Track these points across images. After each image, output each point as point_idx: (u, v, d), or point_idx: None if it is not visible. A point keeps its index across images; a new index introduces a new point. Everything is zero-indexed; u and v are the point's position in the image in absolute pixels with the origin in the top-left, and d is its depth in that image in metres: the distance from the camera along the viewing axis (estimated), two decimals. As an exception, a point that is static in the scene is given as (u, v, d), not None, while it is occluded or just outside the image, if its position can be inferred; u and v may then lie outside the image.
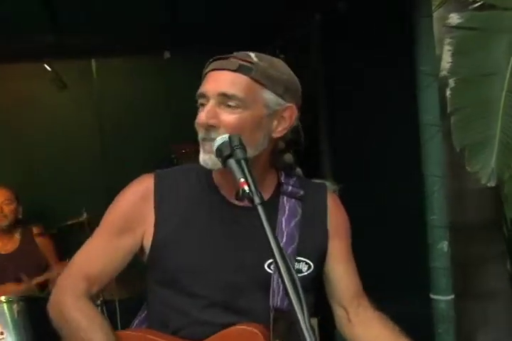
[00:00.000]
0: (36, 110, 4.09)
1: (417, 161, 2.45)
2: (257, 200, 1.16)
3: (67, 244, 3.62)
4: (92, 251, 1.51)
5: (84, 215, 3.49)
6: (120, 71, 4.21)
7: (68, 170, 4.04)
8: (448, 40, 2.60)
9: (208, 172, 1.48)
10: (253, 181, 1.19)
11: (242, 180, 1.20)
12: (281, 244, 1.24)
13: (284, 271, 1.09)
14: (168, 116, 4.06)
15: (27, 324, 2.79)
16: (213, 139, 1.32)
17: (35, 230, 3.65)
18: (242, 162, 1.23)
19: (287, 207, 1.48)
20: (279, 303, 1.43)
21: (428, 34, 2.41)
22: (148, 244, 1.48)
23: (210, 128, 1.36)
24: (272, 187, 1.51)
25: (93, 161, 4.08)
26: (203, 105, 1.39)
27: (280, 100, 1.39)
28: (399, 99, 2.74)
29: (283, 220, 1.47)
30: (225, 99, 1.36)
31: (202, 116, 1.36)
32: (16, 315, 2.79)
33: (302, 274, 1.46)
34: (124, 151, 4.07)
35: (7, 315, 2.78)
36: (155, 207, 1.47)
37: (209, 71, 1.39)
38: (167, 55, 3.93)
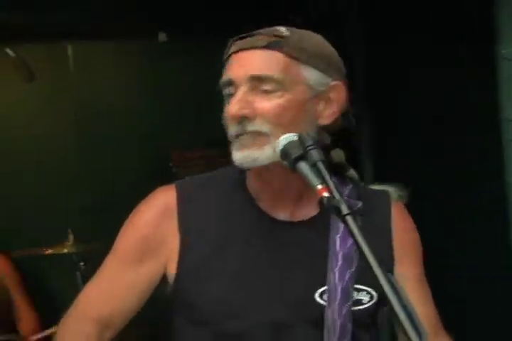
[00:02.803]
0: None
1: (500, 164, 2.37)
2: (344, 210, 1.08)
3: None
4: (103, 285, 1.43)
5: (71, 240, 3.09)
6: (103, 58, 3.90)
7: (37, 186, 3.69)
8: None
9: (241, 180, 1.43)
10: (335, 187, 1.13)
11: (320, 186, 1.13)
12: (336, 268, 1.31)
13: (396, 305, 0.98)
14: (164, 115, 3.81)
15: None
16: (250, 132, 1.28)
17: None
18: (320, 164, 1.16)
19: (342, 224, 1.32)
20: None
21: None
22: (172, 273, 1.39)
23: (243, 119, 1.29)
24: None
25: (69, 174, 3.74)
26: (230, 95, 1.32)
27: (324, 78, 1.32)
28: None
29: (337, 240, 1.37)
30: (258, 83, 1.29)
31: (232, 107, 1.29)
32: None
33: (363, 306, 1.36)
34: (108, 161, 3.74)
35: None
36: (179, 227, 1.40)
37: (233, 53, 1.32)
38: (163, 37, 3.70)
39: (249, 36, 1.31)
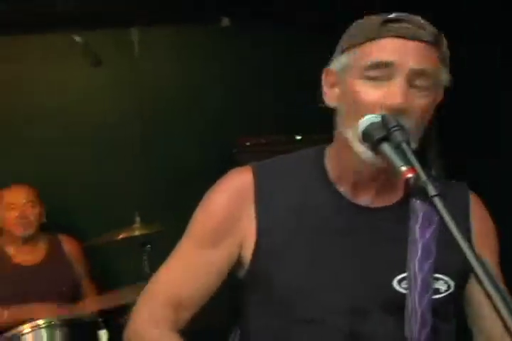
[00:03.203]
0: (63, 93, 3.76)
1: None
2: (431, 191, 1.05)
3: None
4: (180, 268, 1.41)
5: (137, 222, 3.10)
6: (167, 43, 3.89)
7: (102, 168, 3.72)
8: None
9: (321, 166, 1.41)
10: (421, 168, 1.11)
11: (404, 168, 1.11)
12: (416, 259, 1.30)
13: (493, 292, 0.95)
14: (228, 101, 3.79)
15: None
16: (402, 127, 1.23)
17: (63, 239, 3.43)
18: (404, 145, 1.14)
19: (421, 214, 1.35)
20: (416, 334, 1.33)
21: None
22: (247, 255, 1.38)
23: (399, 113, 1.23)
24: (402, 188, 1.39)
25: (131, 158, 3.75)
26: (374, 79, 1.25)
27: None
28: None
29: (416, 229, 1.35)
30: (415, 77, 1.24)
31: (397, 97, 1.23)
32: None
33: (440, 295, 1.35)
34: (172, 145, 3.76)
35: None
36: (256, 210, 1.38)
37: (388, 36, 1.25)
38: (226, 22, 3.73)
39: (406, 21, 1.25)
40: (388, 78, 1.24)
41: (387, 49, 1.24)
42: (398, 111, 1.23)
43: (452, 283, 1.37)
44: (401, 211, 1.36)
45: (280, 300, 1.37)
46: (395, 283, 1.34)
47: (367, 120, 1.21)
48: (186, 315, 1.41)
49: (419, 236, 1.35)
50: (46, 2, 3.37)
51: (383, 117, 1.20)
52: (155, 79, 3.76)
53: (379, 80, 1.25)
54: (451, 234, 1.05)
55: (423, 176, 1.08)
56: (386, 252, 1.32)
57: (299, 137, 3.55)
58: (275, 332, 1.40)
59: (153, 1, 3.55)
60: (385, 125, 1.18)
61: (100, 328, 2.67)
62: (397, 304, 1.33)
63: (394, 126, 1.17)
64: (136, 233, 3.04)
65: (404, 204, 1.37)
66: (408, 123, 1.23)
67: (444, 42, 1.28)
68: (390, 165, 1.16)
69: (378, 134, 1.18)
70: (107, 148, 3.69)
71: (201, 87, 3.77)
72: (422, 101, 1.25)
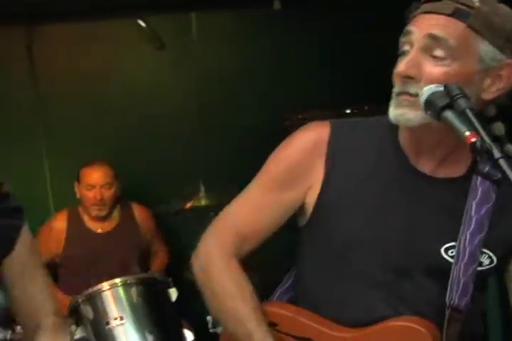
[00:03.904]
0: (132, 73, 3.85)
1: None
2: (496, 154, 1.07)
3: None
4: (248, 204, 1.44)
5: (202, 192, 3.18)
6: (223, 26, 3.94)
7: (166, 141, 3.82)
8: None
9: (394, 132, 1.39)
10: (486, 133, 1.09)
11: (468, 133, 1.10)
12: (468, 232, 1.28)
13: None
14: (280, 79, 3.81)
15: (147, 309, 2.64)
16: (410, 93, 1.25)
17: (135, 208, 3.52)
18: (468, 112, 1.13)
19: (480, 190, 1.34)
20: (456, 301, 1.32)
21: None
22: (311, 202, 1.40)
23: (408, 80, 1.25)
24: (466, 164, 1.37)
25: (193, 131, 3.82)
26: (404, 53, 1.28)
27: (498, 54, 1.26)
28: None
29: (473, 204, 1.34)
30: (432, 44, 1.25)
31: (402, 65, 1.26)
32: (134, 300, 2.63)
33: (481, 268, 1.36)
34: (228, 119, 3.82)
35: (124, 299, 2.64)
36: (326, 162, 1.38)
37: (417, 14, 1.29)
38: (277, 5, 3.60)
39: (437, 0, 1.26)
40: (409, 49, 1.26)
41: (413, 23, 1.28)
42: (405, 78, 1.25)
43: (495, 259, 1.37)
44: (461, 185, 1.35)
45: (333, 248, 1.39)
46: (443, 250, 1.34)
47: (430, 89, 1.20)
48: (249, 248, 1.44)
49: (475, 211, 1.34)
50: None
51: (446, 86, 1.18)
52: (212, 61, 3.79)
53: (405, 54, 1.27)
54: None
55: (487, 139, 1.07)
56: (439, 220, 1.31)
57: (348, 110, 3.51)
58: (326, 280, 1.43)
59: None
60: (448, 93, 1.17)
61: (170, 286, 2.75)
62: (441, 270, 1.34)
63: (457, 94, 1.15)
64: (202, 203, 3.11)
65: (465, 179, 1.36)
66: (421, 90, 1.22)
67: (483, 15, 1.24)
68: (450, 135, 1.16)
69: (441, 102, 1.16)
70: (171, 124, 3.78)
71: (254, 65, 3.80)
72: (435, 70, 1.24)
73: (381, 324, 1.36)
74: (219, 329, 2.65)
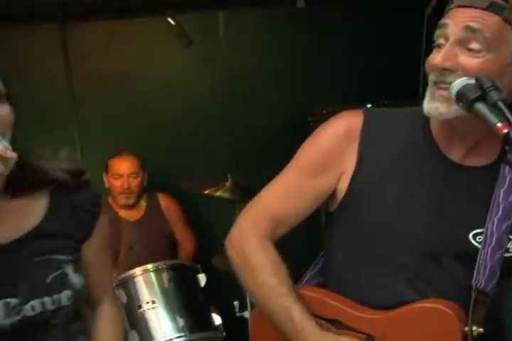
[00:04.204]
0: (163, 68, 3.91)
1: None
2: None
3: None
4: (282, 189, 1.45)
5: (229, 181, 3.19)
6: (249, 24, 3.96)
7: (193, 134, 3.89)
8: None
9: (426, 122, 1.40)
10: None
11: (500, 124, 1.09)
12: (496, 218, 1.28)
13: None
14: (305, 74, 3.84)
15: (178, 294, 2.71)
16: (448, 83, 1.24)
17: (161, 197, 3.58)
18: (500, 103, 1.12)
19: (508, 179, 1.35)
20: (483, 284, 1.33)
21: None
22: (343, 187, 1.42)
23: (444, 71, 1.26)
24: (494, 153, 1.38)
25: (219, 125, 3.91)
26: (439, 46, 1.29)
27: None
28: None
29: (501, 192, 1.34)
30: (468, 36, 1.25)
31: (438, 57, 1.27)
32: (165, 284, 2.70)
33: (508, 254, 1.36)
34: (253, 114, 3.87)
35: (156, 284, 2.70)
36: (359, 149, 1.40)
37: (452, 8, 1.29)
38: (301, 3, 3.71)
39: None
40: (445, 42, 1.28)
41: (448, 16, 1.30)
42: (441, 70, 1.27)
43: None
44: (489, 174, 1.36)
45: (363, 232, 1.41)
46: (470, 236, 1.36)
47: (461, 81, 1.21)
48: (282, 231, 1.47)
49: (503, 199, 1.35)
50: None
51: (478, 79, 1.19)
52: (238, 57, 3.84)
53: (440, 47, 1.29)
54: None
55: None
56: (467, 207, 1.33)
57: (369, 105, 3.43)
58: (354, 265, 1.45)
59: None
60: (480, 86, 1.17)
61: (199, 272, 2.85)
62: (469, 255, 1.35)
63: (489, 87, 1.16)
64: (229, 192, 3.15)
65: (493, 168, 1.37)
66: (453, 79, 1.24)
67: None
68: (480, 125, 1.16)
69: (473, 94, 1.17)
70: (199, 117, 3.85)
71: (278, 61, 3.85)
72: (472, 62, 1.25)
73: (408, 306, 1.38)
74: (245, 313, 2.88)
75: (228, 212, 3.04)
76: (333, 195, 1.45)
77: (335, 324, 1.44)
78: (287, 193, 1.45)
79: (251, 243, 1.43)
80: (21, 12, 3.47)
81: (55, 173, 1.31)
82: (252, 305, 2.47)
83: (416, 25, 3.52)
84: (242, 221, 1.48)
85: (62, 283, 1.27)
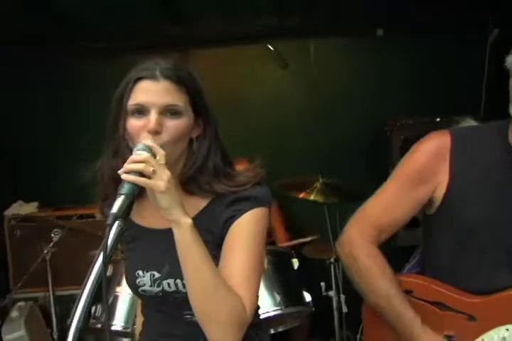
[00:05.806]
0: (263, 87, 4.35)
1: None
2: None
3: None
4: (386, 200, 1.55)
5: (320, 182, 3.35)
6: (335, 51, 4.35)
7: (282, 145, 4.23)
8: None
9: (503, 133, 1.48)
10: None
11: None
12: None
13: None
14: (382, 92, 4.18)
15: (275, 274, 2.92)
16: None
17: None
18: None
19: None
20: None
21: None
22: (439, 196, 1.50)
23: None
24: None
25: (305, 136, 4.26)
26: None
27: None
28: None
29: None
30: None
31: None
32: (266, 266, 2.85)
33: None
34: (339, 124, 4.21)
35: None
36: (450, 164, 1.49)
37: None
38: (380, 32, 4.09)
39: None
40: None
41: None
42: None
43: None
44: None
45: (459, 233, 1.50)
46: None
47: None
48: (384, 237, 1.56)
49: None
50: (249, 22, 4.00)
51: None
52: (326, 77, 4.24)
53: None
54: None
55: None
56: None
57: (438, 119, 3.76)
58: (451, 257, 1.53)
59: (325, 17, 4.00)
60: None
61: (293, 257, 3.10)
62: None
63: None
64: (320, 193, 3.32)
65: None
66: None
67: None
68: None
69: None
70: (289, 127, 4.26)
71: (360, 81, 4.19)
72: None
73: (507, 291, 1.47)
74: (330, 293, 3.19)
75: (317, 212, 3.37)
76: (430, 201, 1.55)
77: (439, 306, 1.53)
78: (390, 205, 1.54)
79: (358, 245, 1.52)
80: (151, 42, 4.05)
81: (224, 187, 1.36)
82: (337, 286, 3.05)
83: (479, 47, 3.78)
84: (350, 228, 1.57)
85: None
